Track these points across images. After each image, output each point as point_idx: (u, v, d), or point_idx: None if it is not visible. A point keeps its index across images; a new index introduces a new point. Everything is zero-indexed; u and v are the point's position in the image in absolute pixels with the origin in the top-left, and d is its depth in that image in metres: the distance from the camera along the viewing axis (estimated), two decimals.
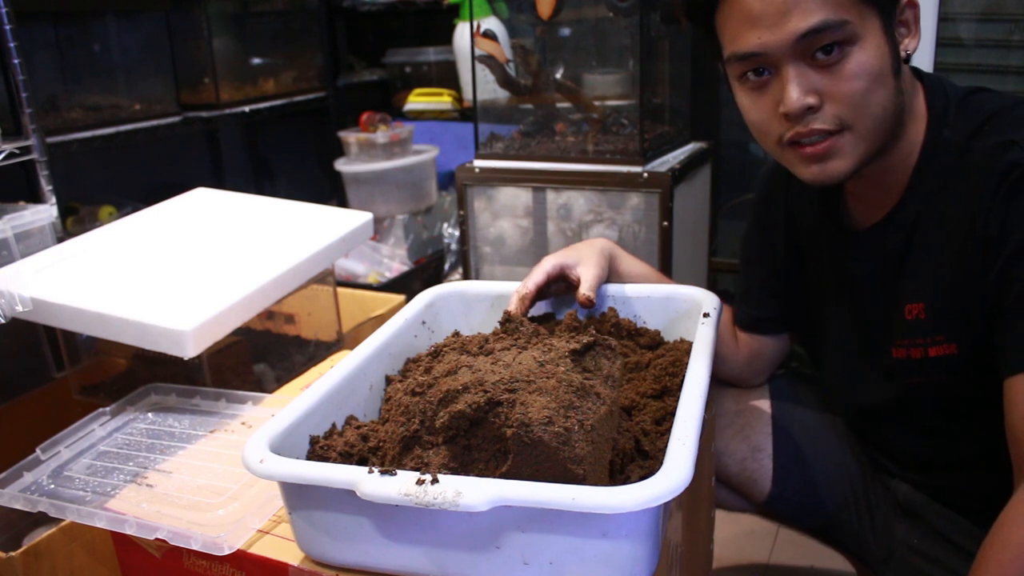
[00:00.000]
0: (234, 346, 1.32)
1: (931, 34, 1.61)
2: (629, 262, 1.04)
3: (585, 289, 0.95)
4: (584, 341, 0.77)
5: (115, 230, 1.40)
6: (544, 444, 0.64)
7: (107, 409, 1.10)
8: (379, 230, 2.47)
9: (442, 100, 2.64)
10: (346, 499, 0.66)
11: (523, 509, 0.62)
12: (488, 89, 1.85)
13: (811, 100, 0.82)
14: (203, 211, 1.49)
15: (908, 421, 1.01)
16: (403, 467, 0.71)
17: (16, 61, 1.53)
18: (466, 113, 2.56)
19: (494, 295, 1.04)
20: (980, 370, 0.88)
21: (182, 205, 1.51)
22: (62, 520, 0.98)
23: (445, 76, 2.69)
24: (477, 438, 0.69)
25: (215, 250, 1.34)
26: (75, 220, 1.96)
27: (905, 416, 1.01)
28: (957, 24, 1.68)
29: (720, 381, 1.18)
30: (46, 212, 1.48)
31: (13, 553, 0.97)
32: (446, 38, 2.56)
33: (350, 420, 0.83)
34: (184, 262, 1.29)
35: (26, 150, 1.55)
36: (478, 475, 0.68)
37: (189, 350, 1.09)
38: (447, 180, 2.57)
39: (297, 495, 0.70)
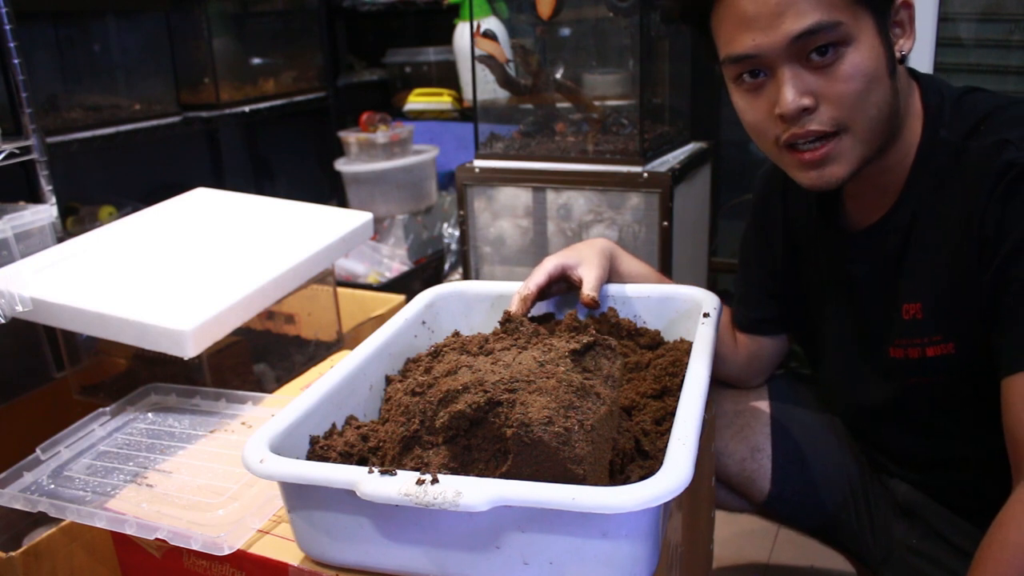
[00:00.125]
0: (234, 346, 1.32)
1: (931, 34, 1.61)
2: (629, 262, 1.04)
3: (588, 290, 0.95)
4: (584, 341, 0.77)
5: (115, 230, 1.40)
6: (544, 444, 0.64)
7: (107, 409, 1.10)
8: (379, 230, 2.47)
9: (442, 100, 2.64)
10: (346, 499, 0.66)
11: (523, 509, 0.62)
12: (488, 89, 1.85)
13: (806, 101, 0.82)
14: (203, 211, 1.49)
15: (906, 421, 1.01)
16: (403, 467, 0.71)
17: (16, 61, 1.53)
18: (466, 113, 2.56)
19: (494, 295, 1.04)
20: (978, 370, 0.89)
21: (182, 205, 1.51)
22: (62, 520, 0.98)
23: (445, 76, 2.69)
24: (477, 438, 0.69)
25: (215, 250, 1.34)
26: (75, 220, 1.96)
27: (903, 416, 1.01)
28: (957, 24, 1.68)
29: (719, 382, 1.18)
30: (46, 212, 1.48)
31: (13, 553, 0.97)
32: (446, 38, 2.56)
33: (350, 420, 0.83)
34: (184, 262, 1.29)
35: (26, 150, 1.55)
36: (478, 475, 0.68)
37: (189, 350, 1.09)
38: (447, 180, 2.57)
39: (297, 495, 0.70)
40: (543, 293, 0.98)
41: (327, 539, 0.71)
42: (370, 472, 0.65)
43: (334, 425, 0.81)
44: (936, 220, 0.90)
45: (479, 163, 1.79)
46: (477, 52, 1.77)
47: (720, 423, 1.15)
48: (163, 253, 1.32)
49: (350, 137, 2.44)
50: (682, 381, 0.79)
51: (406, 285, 2.34)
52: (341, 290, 1.69)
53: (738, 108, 0.91)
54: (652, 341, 0.97)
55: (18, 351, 1.55)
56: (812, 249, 1.06)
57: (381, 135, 2.39)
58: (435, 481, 0.63)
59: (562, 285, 1.01)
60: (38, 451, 0.99)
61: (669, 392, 0.84)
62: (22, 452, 0.98)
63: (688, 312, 0.99)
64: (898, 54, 0.86)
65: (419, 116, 2.65)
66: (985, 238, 0.84)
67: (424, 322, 1.01)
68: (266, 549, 0.77)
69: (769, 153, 0.91)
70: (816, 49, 0.81)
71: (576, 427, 0.65)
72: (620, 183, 1.65)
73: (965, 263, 0.87)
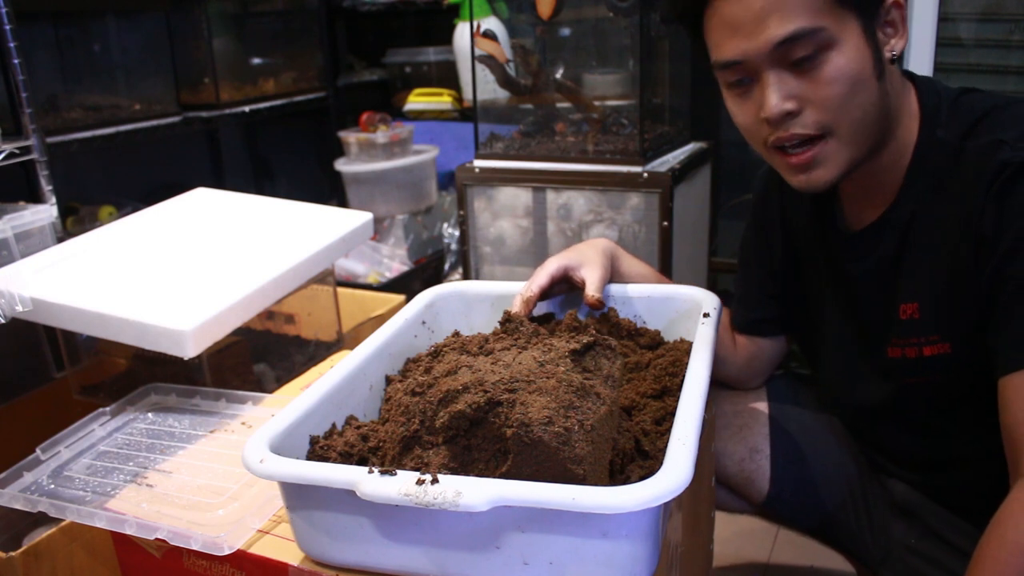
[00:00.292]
0: (234, 346, 1.32)
1: (931, 34, 1.61)
2: (630, 262, 1.05)
3: (592, 291, 0.95)
4: (584, 341, 0.77)
5: (115, 230, 1.40)
6: (544, 444, 0.64)
7: (107, 409, 1.10)
8: (379, 230, 2.47)
9: (442, 100, 2.64)
10: (346, 499, 0.66)
11: (523, 509, 0.62)
12: (488, 89, 1.85)
13: (789, 106, 0.83)
14: (203, 211, 1.49)
15: (904, 420, 1.01)
16: (403, 467, 0.71)
17: (16, 61, 1.53)
18: (466, 113, 2.56)
19: (494, 295, 1.04)
20: (975, 369, 0.89)
21: (182, 205, 1.51)
22: (62, 520, 0.98)
23: (445, 76, 2.69)
24: (477, 438, 0.69)
25: (215, 250, 1.34)
26: (75, 220, 1.96)
27: (901, 415, 1.01)
28: (957, 24, 1.68)
29: (718, 383, 1.18)
30: (46, 212, 1.48)
31: (13, 553, 0.97)
32: (446, 38, 2.56)
33: (350, 420, 0.83)
34: (184, 262, 1.29)
35: (26, 150, 1.56)
36: (478, 475, 0.68)
37: (189, 350, 1.09)
38: (447, 180, 2.57)
39: (297, 495, 0.70)
40: (544, 294, 0.98)
41: (327, 539, 0.71)
42: (370, 472, 0.65)
43: (334, 425, 0.81)
44: (933, 220, 0.90)
45: (479, 163, 1.79)
46: (477, 52, 1.77)
47: (719, 424, 1.15)
48: (163, 253, 1.32)
49: (350, 137, 2.44)
50: (682, 381, 0.79)
51: (406, 285, 2.34)
52: (341, 290, 1.69)
53: (730, 110, 0.92)
54: (652, 341, 0.97)
55: (18, 351, 1.55)
56: (811, 250, 1.07)
57: (381, 135, 2.39)
58: (435, 481, 0.63)
59: (563, 286, 1.01)
60: (38, 451, 0.99)
61: (669, 392, 0.84)
62: (22, 452, 0.98)
63: (688, 312, 0.99)
64: (889, 54, 0.86)
65: (419, 116, 2.66)
66: (981, 237, 0.84)
67: (424, 322, 1.01)
68: (266, 549, 0.77)
69: (762, 154, 0.92)
70: (799, 54, 0.82)
71: (576, 427, 0.65)
72: (620, 183, 1.65)
73: (962, 263, 0.87)
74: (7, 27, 1.52)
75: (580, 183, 1.69)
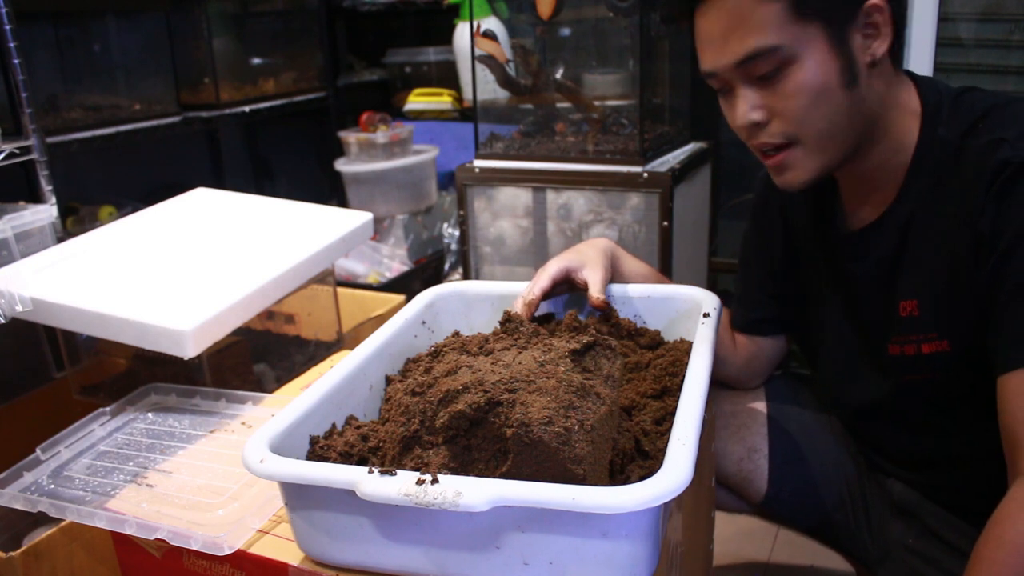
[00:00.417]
0: (234, 346, 1.32)
1: (931, 34, 1.61)
2: (630, 262, 1.05)
3: (596, 292, 0.95)
4: (584, 341, 0.77)
5: (115, 230, 1.40)
6: (544, 444, 0.64)
7: (107, 409, 1.10)
8: (379, 230, 2.47)
9: (442, 100, 2.64)
10: (346, 499, 0.66)
11: (523, 509, 0.62)
12: (488, 89, 1.85)
13: (755, 116, 0.87)
14: (203, 211, 1.49)
15: (903, 419, 1.01)
16: (403, 467, 0.71)
17: (16, 61, 1.53)
18: (466, 113, 2.56)
19: (494, 295, 1.04)
20: (972, 367, 0.89)
21: (182, 205, 1.51)
22: (62, 520, 0.98)
23: (445, 76, 2.69)
24: (477, 438, 0.69)
25: (215, 250, 1.34)
26: (75, 220, 1.96)
27: (900, 414, 1.01)
28: (957, 24, 1.68)
29: (718, 383, 1.18)
30: (46, 212, 1.48)
31: (13, 553, 0.97)
32: (446, 38, 2.56)
33: (350, 420, 0.83)
34: (184, 262, 1.29)
35: (26, 150, 1.55)
36: (478, 475, 0.68)
37: (189, 350, 1.09)
38: (447, 180, 2.57)
39: (297, 495, 0.70)
40: (545, 295, 0.99)
41: (327, 539, 0.71)
42: (370, 472, 0.65)
43: (334, 425, 0.81)
44: (933, 218, 0.90)
45: (479, 163, 1.79)
46: (477, 52, 1.77)
47: (717, 424, 1.15)
48: (163, 253, 1.32)
49: (350, 137, 2.44)
50: (682, 381, 0.79)
51: (406, 285, 2.34)
52: (341, 290, 1.69)
53: (724, 113, 0.95)
54: (652, 341, 0.97)
55: (18, 351, 1.55)
56: (811, 249, 1.07)
57: (381, 135, 2.39)
58: (435, 481, 0.63)
59: (564, 287, 1.01)
60: (38, 451, 0.99)
61: (669, 392, 0.84)
62: (22, 452, 0.98)
63: (688, 312, 0.99)
64: (869, 58, 0.86)
65: (419, 116, 2.65)
66: (980, 236, 0.84)
67: (424, 322, 1.01)
68: (266, 549, 0.77)
69: (755, 154, 0.95)
70: (762, 70, 0.85)
71: (576, 427, 0.65)
72: (620, 183, 1.65)
73: (961, 261, 0.87)
74: (7, 27, 1.52)
75: (580, 183, 1.69)
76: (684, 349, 0.92)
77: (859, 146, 0.90)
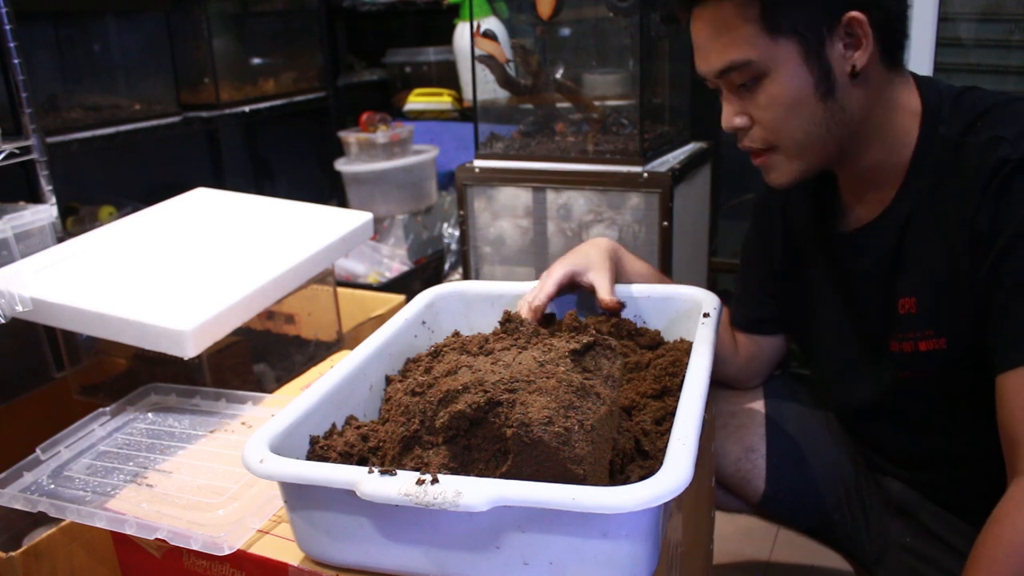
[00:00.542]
0: (234, 346, 1.32)
1: (931, 34, 1.61)
2: (631, 262, 1.05)
3: (606, 295, 0.96)
4: (584, 341, 0.77)
5: (115, 230, 1.40)
6: (544, 444, 0.64)
7: (107, 409, 1.10)
8: (379, 230, 2.47)
9: (442, 100, 2.64)
10: (346, 499, 0.66)
11: (523, 509, 0.62)
12: (488, 89, 1.85)
13: (737, 122, 0.92)
14: (203, 211, 1.49)
15: (900, 418, 1.01)
16: (403, 467, 0.71)
17: (16, 61, 1.53)
18: (466, 113, 2.56)
19: (494, 295, 1.04)
20: (969, 366, 0.89)
21: (182, 205, 1.51)
22: (62, 520, 0.98)
23: (445, 76, 2.69)
24: (477, 438, 0.69)
25: (215, 250, 1.34)
26: (75, 220, 1.96)
27: (897, 412, 1.01)
28: (957, 24, 1.68)
29: (717, 382, 1.18)
30: (46, 212, 1.48)
31: (13, 553, 0.97)
32: (446, 38, 2.56)
33: (350, 420, 0.83)
34: (184, 262, 1.29)
35: (26, 150, 1.55)
36: (478, 475, 0.68)
37: (189, 350, 1.09)
38: (447, 180, 2.57)
39: (297, 495, 0.70)
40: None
41: (327, 539, 0.71)
42: (370, 472, 0.65)
43: (334, 425, 0.81)
44: (933, 215, 0.91)
45: (479, 163, 1.79)
46: (477, 52, 1.77)
47: (715, 424, 1.15)
48: (163, 253, 1.32)
49: (350, 137, 2.44)
50: (682, 381, 0.79)
51: (406, 285, 2.34)
52: (341, 290, 1.69)
53: None
54: (652, 341, 0.97)
55: (18, 351, 1.55)
56: (811, 248, 1.07)
57: (381, 135, 2.39)
58: (435, 481, 0.63)
59: (568, 289, 1.01)
60: (38, 451, 0.99)
61: (669, 392, 0.84)
62: (22, 452, 0.98)
63: (688, 312, 0.99)
64: (849, 68, 0.87)
65: (419, 116, 2.65)
66: (979, 234, 0.84)
67: (424, 322, 1.01)
68: (266, 549, 0.77)
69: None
70: (738, 81, 0.89)
71: (576, 427, 0.65)
72: (620, 183, 1.65)
73: (959, 259, 0.87)
74: (7, 27, 1.52)
75: (580, 183, 1.69)
76: (684, 349, 0.92)
77: (847, 149, 0.92)
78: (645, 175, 1.63)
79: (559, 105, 1.87)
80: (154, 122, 2.18)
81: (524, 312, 0.95)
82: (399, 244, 2.46)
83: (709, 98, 1.04)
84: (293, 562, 0.74)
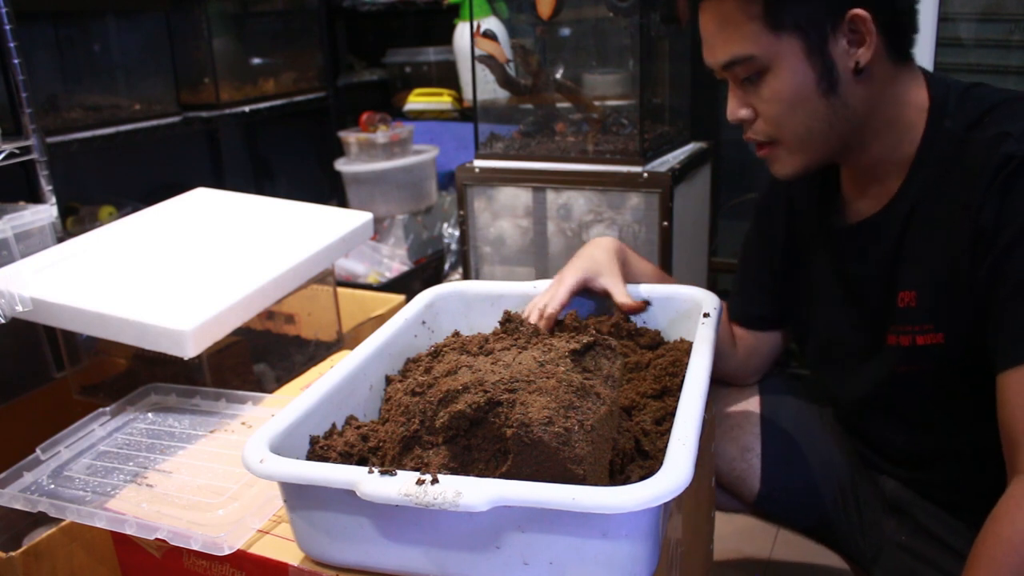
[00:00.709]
0: (234, 346, 1.32)
1: (931, 34, 1.61)
2: (637, 262, 1.06)
3: (625, 298, 0.97)
4: (584, 341, 0.77)
5: (115, 230, 1.40)
6: (544, 444, 0.64)
7: (107, 409, 1.10)
8: (379, 230, 2.47)
9: (442, 100, 2.64)
10: (346, 499, 0.66)
11: (523, 509, 0.62)
12: (488, 89, 1.85)
13: (741, 114, 0.93)
14: (203, 211, 1.49)
15: (896, 413, 1.01)
16: (403, 467, 0.71)
17: (16, 61, 1.53)
18: (466, 113, 2.56)
19: (494, 295, 1.04)
20: (966, 362, 0.89)
21: (182, 205, 1.51)
22: (62, 520, 0.98)
23: (445, 76, 2.69)
24: (477, 438, 0.69)
25: (215, 250, 1.34)
26: (75, 220, 1.96)
27: (893, 408, 1.01)
28: (957, 24, 1.68)
29: (715, 379, 1.18)
30: (46, 212, 1.48)
31: (13, 553, 0.97)
32: (446, 38, 2.56)
33: (350, 420, 0.83)
34: (184, 262, 1.29)
35: (26, 150, 1.55)
36: (478, 475, 0.68)
37: (189, 350, 1.09)
38: (447, 180, 2.57)
39: (297, 495, 0.70)
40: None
41: (327, 539, 0.71)
42: (370, 472, 0.65)
43: (334, 425, 0.81)
44: (936, 209, 0.90)
45: (479, 163, 1.79)
46: (477, 52, 1.77)
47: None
48: (163, 253, 1.32)
49: (350, 137, 2.44)
50: (682, 381, 0.79)
51: (406, 285, 2.34)
52: (341, 290, 1.69)
53: None
54: (652, 341, 0.97)
55: (18, 351, 1.55)
56: (813, 242, 1.07)
57: (381, 135, 2.39)
58: (435, 481, 0.63)
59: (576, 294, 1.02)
60: (38, 451, 0.99)
61: (669, 392, 0.84)
62: (22, 452, 0.98)
63: (688, 312, 0.99)
64: (853, 64, 0.87)
65: (419, 116, 2.65)
66: (981, 230, 0.84)
67: (424, 322, 1.01)
68: (266, 549, 0.77)
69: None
70: (741, 75, 0.90)
71: (576, 427, 0.65)
72: (620, 183, 1.65)
73: (960, 254, 0.87)
74: (7, 27, 1.52)
75: (580, 183, 1.69)
76: (684, 349, 0.92)
77: (851, 143, 0.92)
78: (645, 175, 1.63)
79: (559, 105, 1.87)
80: (154, 122, 2.17)
81: (534, 318, 0.95)
82: (399, 244, 2.46)
83: (709, 98, 1.05)
84: (293, 562, 0.74)
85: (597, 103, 1.84)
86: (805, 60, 0.86)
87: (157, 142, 2.36)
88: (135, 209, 1.57)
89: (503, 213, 1.80)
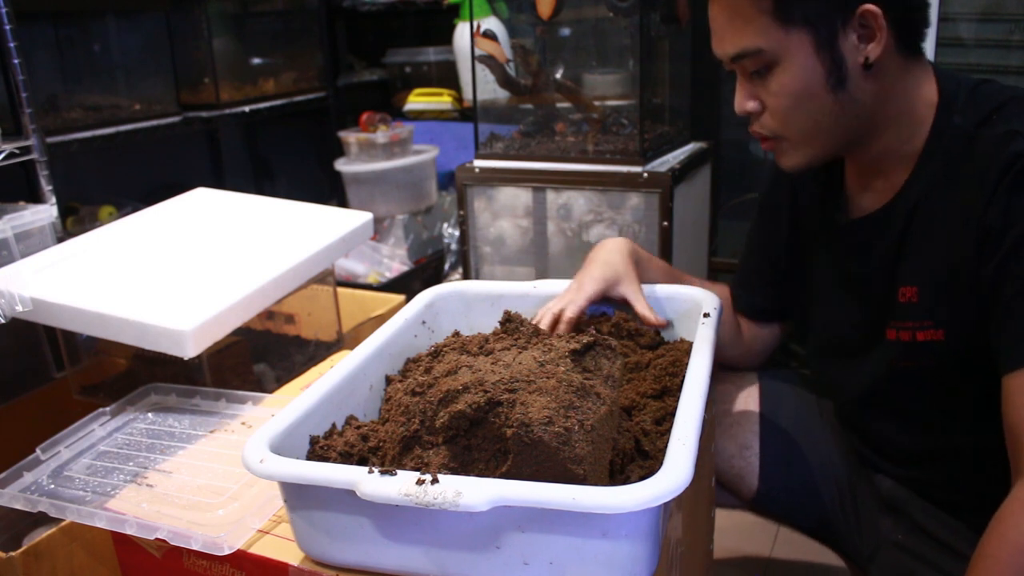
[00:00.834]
0: (234, 346, 1.32)
1: (931, 34, 1.61)
2: (649, 262, 1.06)
3: (646, 312, 0.97)
4: (584, 341, 0.77)
5: (115, 230, 1.40)
6: (544, 444, 0.64)
7: (107, 409, 1.10)
8: (379, 230, 2.47)
9: (442, 100, 2.64)
10: (346, 499, 0.66)
11: (523, 509, 0.62)
12: (488, 89, 1.85)
13: (749, 106, 0.92)
14: (203, 211, 1.49)
15: (894, 409, 1.01)
16: (403, 467, 0.71)
17: (16, 61, 1.53)
18: (466, 113, 2.56)
19: (494, 295, 1.04)
20: (965, 360, 0.89)
21: (182, 205, 1.51)
22: (62, 520, 0.98)
23: (445, 76, 2.69)
24: (477, 438, 0.69)
25: (215, 250, 1.34)
26: (75, 220, 1.96)
27: (891, 403, 1.01)
28: (957, 24, 1.68)
29: (720, 364, 1.18)
30: (46, 212, 1.48)
31: (13, 553, 0.97)
32: (446, 38, 2.56)
33: (350, 420, 0.83)
34: (184, 262, 1.29)
35: (26, 150, 1.55)
36: (478, 475, 0.68)
37: (189, 350, 1.09)
38: (447, 180, 2.57)
39: (297, 495, 0.70)
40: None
41: (327, 539, 0.71)
42: (370, 472, 0.65)
43: (334, 425, 0.81)
44: (941, 205, 0.90)
45: (479, 163, 1.79)
46: (477, 52, 1.77)
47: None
48: (163, 253, 1.32)
49: (350, 137, 2.44)
50: (682, 381, 0.79)
51: (406, 285, 2.34)
52: (341, 290, 1.69)
53: None
54: (652, 341, 0.97)
55: (18, 351, 1.55)
56: (817, 236, 1.07)
57: (381, 135, 2.39)
58: (435, 481, 0.63)
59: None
60: (38, 451, 0.99)
61: (669, 392, 0.84)
62: (22, 452, 0.98)
63: (688, 312, 0.99)
64: (862, 60, 0.86)
65: (419, 116, 2.65)
66: (988, 228, 0.84)
67: (424, 322, 1.01)
68: (266, 549, 0.77)
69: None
70: (750, 68, 0.89)
71: (576, 427, 0.65)
72: (620, 183, 1.65)
73: (964, 252, 0.87)
74: (7, 27, 1.52)
75: (580, 183, 1.69)
76: (684, 349, 0.92)
77: (859, 137, 0.92)
78: (645, 175, 1.63)
79: (559, 105, 1.87)
80: (154, 122, 2.18)
81: (546, 322, 0.95)
82: (399, 244, 2.46)
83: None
84: (293, 562, 0.74)
85: (597, 103, 1.84)
86: (814, 55, 0.86)
87: (157, 142, 2.36)
88: (135, 209, 1.57)
89: (503, 213, 1.80)
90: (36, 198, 1.60)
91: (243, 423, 1.06)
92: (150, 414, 1.10)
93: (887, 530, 1.06)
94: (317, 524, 0.70)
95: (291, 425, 0.75)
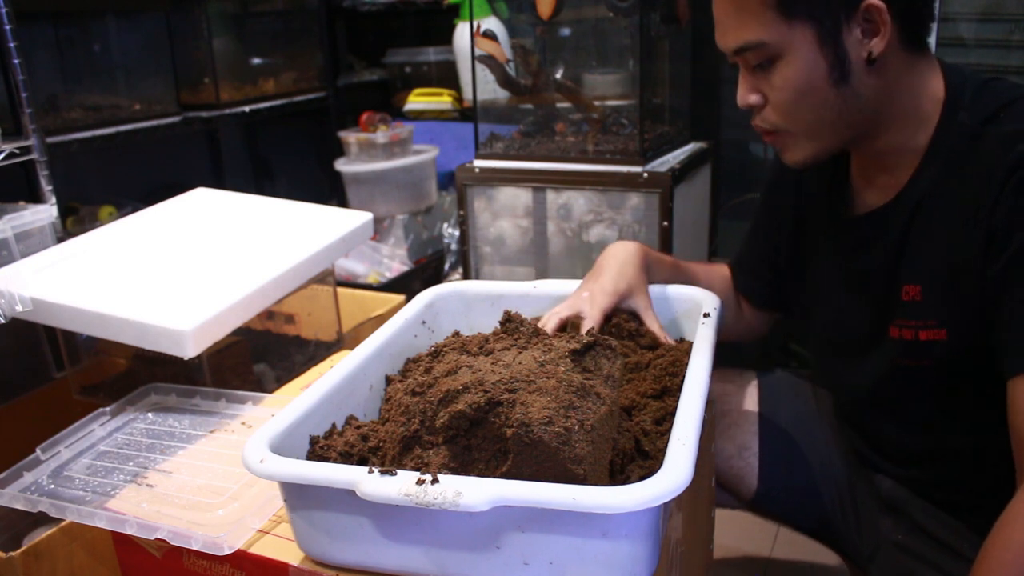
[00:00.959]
0: (234, 346, 1.32)
1: (931, 34, 1.61)
2: (656, 264, 1.05)
3: (657, 329, 0.97)
4: (584, 341, 0.77)
5: (115, 230, 1.40)
6: (544, 444, 0.64)
7: (107, 409, 1.10)
8: (379, 230, 2.47)
9: (442, 100, 2.64)
10: (346, 499, 0.66)
11: (523, 509, 0.62)
12: (488, 89, 1.85)
13: (752, 100, 0.92)
14: (203, 211, 1.49)
15: (896, 410, 1.01)
16: (403, 467, 0.71)
17: (16, 61, 1.53)
18: (466, 113, 2.56)
19: (494, 295, 1.04)
20: (968, 360, 0.88)
21: (182, 205, 1.51)
22: (62, 520, 0.98)
23: (445, 76, 2.69)
24: (477, 438, 0.69)
25: (215, 250, 1.34)
26: (75, 220, 1.96)
27: (891, 402, 1.01)
28: (957, 24, 1.68)
29: (724, 340, 1.19)
30: (46, 212, 1.48)
31: (13, 553, 0.97)
32: (446, 38, 2.56)
33: (350, 420, 0.83)
34: (184, 262, 1.29)
35: (26, 150, 1.55)
36: (478, 475, 0.68)
37: (189, 350, 1.09)
38: (447, 180, 2.57)
39: (297, 495, 0.70)
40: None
41: (327, 539, 0.71)
42: (370, 472, 0.65)
43: (334, 425, 0.81)
44: (945, 202, 0.89)
45: (479, 163, 1.79)
46: (477, 52, 1.77)
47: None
48: (163, 253, 1.32)
49: (350, 137, 2.44)
50: (682, 381, 0.79)
51: (406, 285, 2.34)
52: (341, 290, 1.69)
53: None
54: (652, 341, 0.97)
55: (18, 351, 1.55)
56: (820, 231, 1.06)
57: (381, 135, 2.39)
58: (435, 481, 0.63)
59: None
60: (38, 451, 0.99)
61: (669, 392, 0.84)
62: (22, 452, 0.98)
63: (688, 312, 0.99)
64: (864, 54, 0.86)
65: (419, 116, 2.65)
66: (993, 229, 0.83)
67: (424, 322, 1.01)
68: (266, 549, 0.77)
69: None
70: (752, 62, 0.89)
71: (576, 427, 0.65)
72: (620, 183, 1.65)
73: (969, 252, 0.86)
74: (7, 27, 1.52)
75: (580, 183, 1.69)
76: (684, 349, 0.92)
77: (863, 132, 0.91)
78: (645, 175, 1.63)
79: (559, 105, 1.87)
80: (154, 122, 2.17)
81: (551, 325, 0.95)
82: (399, 244, 2.46)
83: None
84: (293, 562, 0.74)
85: (597, 103, 1.84)
86: (817, 49, 0.85)
87: (157, 142, 2.36)
88: (135, 209, 1.57)
89: (503, 213, 1.80)
90: (36, 198, 1.60)
91: (243, 423, 1.06)
92: (150, 414, 1.10)
93: (887, 530, 1.06)
94: (317, 524, 0.70)
95: (291, 425, 0.75)
